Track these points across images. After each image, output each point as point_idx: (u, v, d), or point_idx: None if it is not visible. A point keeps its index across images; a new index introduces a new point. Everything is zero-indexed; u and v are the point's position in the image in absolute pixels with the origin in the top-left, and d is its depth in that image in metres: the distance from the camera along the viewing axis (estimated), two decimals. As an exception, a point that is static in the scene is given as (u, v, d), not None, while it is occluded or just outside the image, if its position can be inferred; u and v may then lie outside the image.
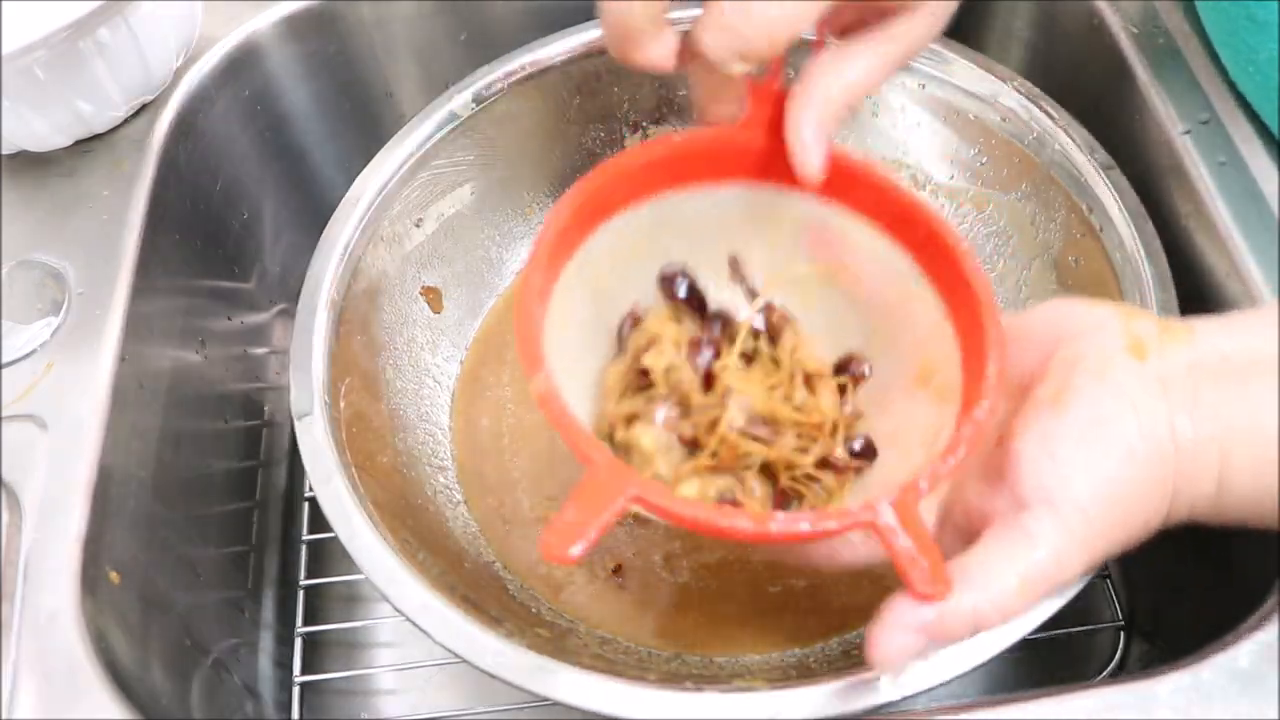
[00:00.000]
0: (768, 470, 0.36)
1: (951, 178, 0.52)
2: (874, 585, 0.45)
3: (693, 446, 0.36)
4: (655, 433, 0.35)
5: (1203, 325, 0.31)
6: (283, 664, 0.53)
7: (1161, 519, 0.30)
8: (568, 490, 0.49)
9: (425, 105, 0.51)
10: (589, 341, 0.37)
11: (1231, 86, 0.46)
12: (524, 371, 0.29)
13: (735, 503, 0.35)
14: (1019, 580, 0.29)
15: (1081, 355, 0.31)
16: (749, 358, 0.38)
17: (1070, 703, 0.33)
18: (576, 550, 0.27)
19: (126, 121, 0.52)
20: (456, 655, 0.36)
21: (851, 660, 0.40)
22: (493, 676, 0.35)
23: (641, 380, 0.36)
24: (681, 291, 0.37)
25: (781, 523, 0.29)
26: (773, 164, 0.34)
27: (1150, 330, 0.31)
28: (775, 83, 0.33)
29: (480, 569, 0.46)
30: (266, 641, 0.53)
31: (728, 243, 0.38)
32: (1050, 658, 0.52)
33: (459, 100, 0.52)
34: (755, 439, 0.35)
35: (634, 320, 0.38)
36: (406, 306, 0.52)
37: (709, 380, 0.36)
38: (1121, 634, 0.52)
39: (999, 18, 0.58)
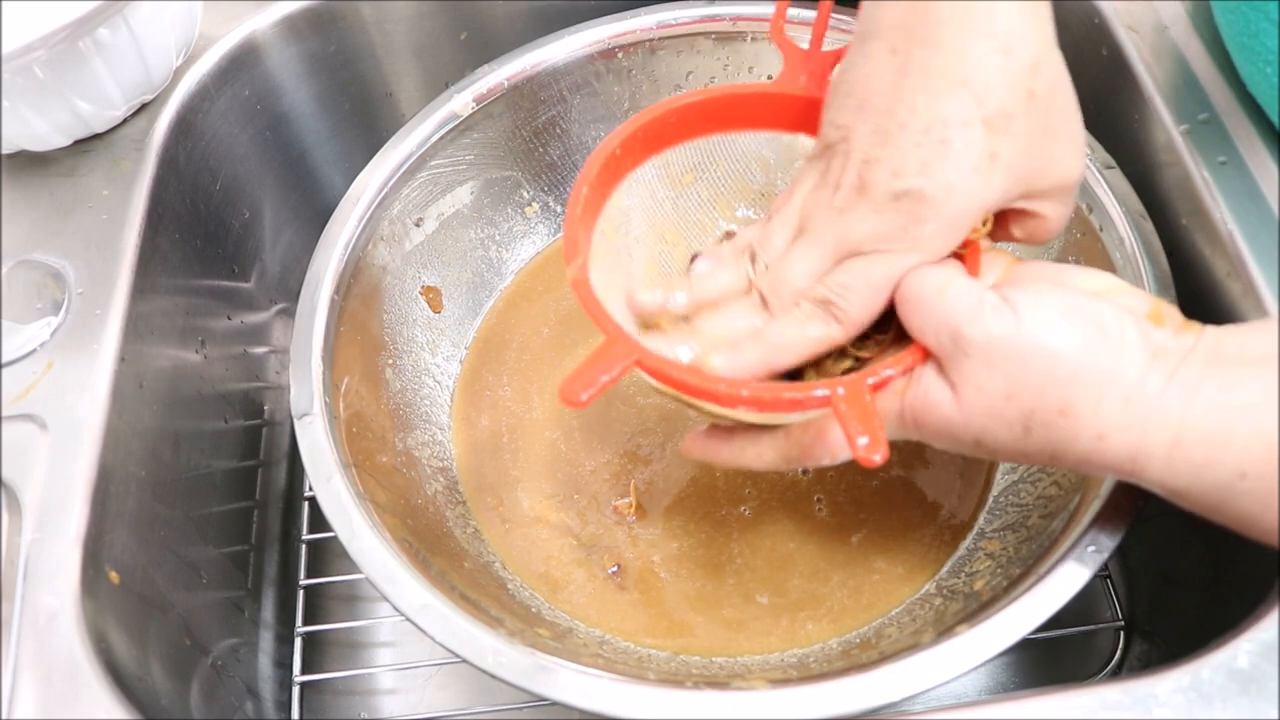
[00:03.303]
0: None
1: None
2: (874, 589, 0.45)
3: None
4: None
5: (1212, 328, 0.32)
6: (282, 664, 0.53)
7: (1056, 442, 0.32)
8: (568, 490, 0.50)
9: (425, 105, 0.52)
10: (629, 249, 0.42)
11: (1233, 86, 0.46)
12: (564, 259, 0.37)
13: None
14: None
15: (1113, 295, 0.33)
16: None
17: (1069, 702, 0.33)
18: (586, 395, 0.32)
19: (126, 121, 0.52)
20: (456, 655, 0.36)
21: (851, 660, 0.40)
22: (493, 676, 0.35)
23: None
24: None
25: (752, 389, 0.34)
26: (805, 118, 0.40)
27: (1174, 314, 0.33)
28: (815, 53, 0.40)
29: (480, 569, 0.46)
30: (266, 641, 0.53)
31: (759, 178, 0.45)
32: (1050, 658, 0.52)
33: (459, 100, 0.52)
34: None
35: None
36: (406, 306, 0.52)
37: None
38: (1121, 634, 0.52)
39: (999, 17, 0.57)
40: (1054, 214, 0.35)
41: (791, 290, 0.36)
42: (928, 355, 0.34)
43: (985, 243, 0.36)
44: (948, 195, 0.33)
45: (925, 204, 0.33)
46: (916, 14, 0.32)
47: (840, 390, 0.33)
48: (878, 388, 0.34)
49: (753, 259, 0.39)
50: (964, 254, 0.35)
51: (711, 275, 0.39)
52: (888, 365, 0.34)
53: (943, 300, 0.33)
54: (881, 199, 0.34)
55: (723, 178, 0.44)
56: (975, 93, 0.32)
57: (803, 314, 0.36)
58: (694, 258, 0.43)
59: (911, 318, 0.34)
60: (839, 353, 0.37)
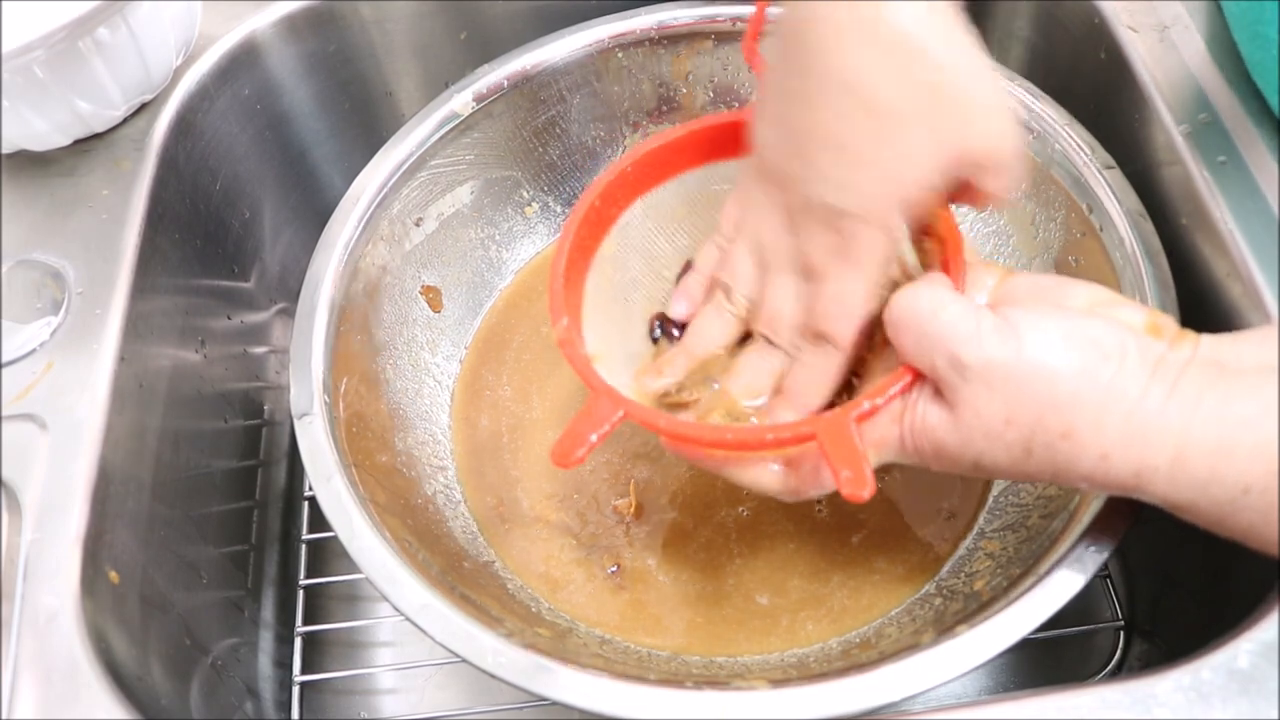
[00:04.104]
0: None
1: (951, 177, 0.52)
2: (874, 589, 0.45)
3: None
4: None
5: (1207, 337, 0.32)
6: (282, 663, 0.53)
7: (1052, 462, 0.32)
8: (567, 490, 0.50)
9: (425, 104, 0.52)
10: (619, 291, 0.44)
11: (1233, 86, 0.46)
12: (550, 320, 0.38)
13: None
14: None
15: (1108, 307, 0.33)
16: None
17: (1070, 702, 0.33)
18: (579, 454, 0.34)
19: (126, 121, 0.52)
20: (456, 655, 0.36)
21: (851, 660, 0.40)
22: (493, 676, 0.35)
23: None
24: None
25: (735, 433, 0.35)
26: None
27: (1171, 325, 0.33)
28: None
29: (480, 569, 0.46)
30: (266, 641, 0.53)
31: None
32: (1050, 658, 0.52)
33: (459, 100, 0.52)
34: None
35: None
36: (406, 306, 0.52)
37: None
38: (1121, 634, 0.52)
39: (999, 18, 0.58)
40: (993, 186, 0.36)
41: (787, 326, 0.38)
42: (917, 378, 0.34)
43: (973, 255, 0.36)
44: (872, 202, 0.34)
45: (856, 218, 0.34)
46: (795, 41, 0.34)
47: (824, 425, 0.33)
48: (863, 419, 0.34)
49: (727, 293, 0.40)
50: (946, 262, 0.35)
51: (701, 329, 0.41)
52: (873, 395, 0.34)
53: (937, 322, 0.32)
54: (822, 219, 0.35)
55: (718, 206, 0.44)
56: (863, 100, 0.33)
57: (807, 356, 0.37)
58: (682, 270, 0.43)
59: (904, 340, 0.33)
60: None
